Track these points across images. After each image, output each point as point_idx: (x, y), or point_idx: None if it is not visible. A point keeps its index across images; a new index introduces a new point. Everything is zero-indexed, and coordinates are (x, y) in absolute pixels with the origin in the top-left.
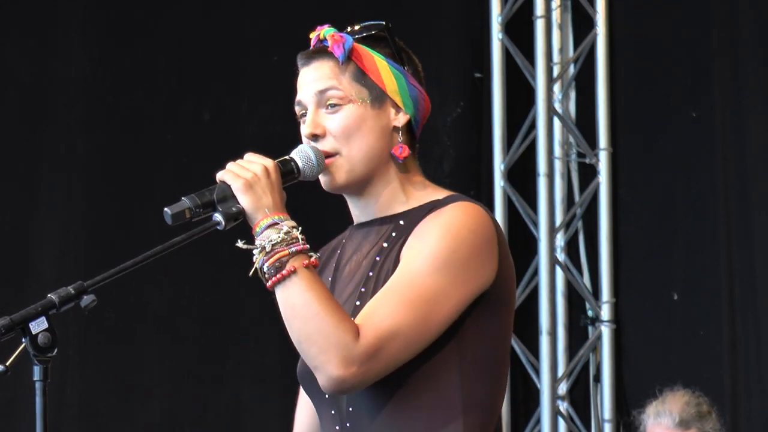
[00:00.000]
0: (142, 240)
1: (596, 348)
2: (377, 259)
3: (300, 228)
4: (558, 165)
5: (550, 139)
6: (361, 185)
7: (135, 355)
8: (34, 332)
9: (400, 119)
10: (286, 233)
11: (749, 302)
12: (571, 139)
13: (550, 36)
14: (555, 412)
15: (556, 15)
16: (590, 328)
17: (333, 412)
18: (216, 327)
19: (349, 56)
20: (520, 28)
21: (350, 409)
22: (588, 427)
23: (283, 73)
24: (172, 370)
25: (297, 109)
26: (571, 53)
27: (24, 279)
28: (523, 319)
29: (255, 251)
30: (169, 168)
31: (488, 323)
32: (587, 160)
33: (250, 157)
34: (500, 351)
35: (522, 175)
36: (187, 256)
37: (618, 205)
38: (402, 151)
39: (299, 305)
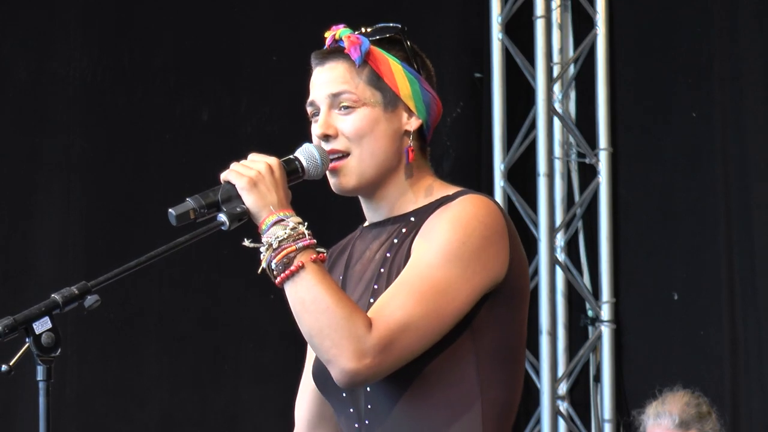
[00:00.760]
0: (142, 240)
1: (596, 348)
2: (388, 255)
3: (306, 223)
4: (558, 165)
5: (550, 139)
6: (372, 188)
7: (134, 354)
8: (37, 332)
9: (413, 123)
10: (293, 229)
11: (749, 302)
12: (571, 139)
13: (550, 36)
14: (555, 412)
15: (556, 15)
16: (590, 328)
17: (351, 410)
18: (216, 327)
19: (365, 59)
20: (520, 28)
21: (369, 406)
22: (588, 427)
23: (282, 73)
24: (172, 370)
25: (309, 109)
26: (571, 53)
27: (24, 279)
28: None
29: (262, 249)
30: (167, 168)
31: (503, 316)
32: (587, 160)
33: (253, 156)
34: (516, 344)
35: (522, 175)
36: (188, 256)
37: (618, 205)
38: (410, 155)
39: (309, 300)
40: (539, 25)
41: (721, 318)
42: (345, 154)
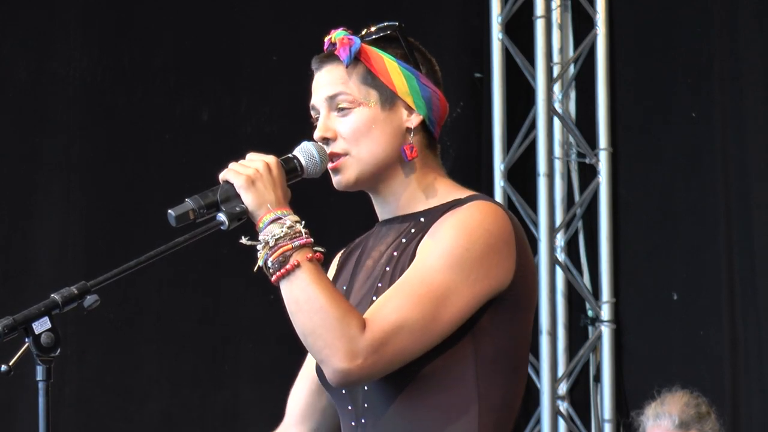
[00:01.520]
0: (141, 239)
1: (596, 348)
2: (395, 254)
3: (303, 222)
4: (558, 165)
5: (550, 139)
6: (373, 184)
7: (134, 354)
8: (37, 332)
9: (413, 120)
10: (290, 227)
11: (749, 302)
12: (571, 139)
13: (550, 36)
14: (555, 412)
15: (556, 15)
16: (590, 328)
17: (350, 407)
18: (215, 327)
19: (358, 58)
20: (520, 28)
21: (366, 404)
22: (588, 427)
23: (282, 73)
24: (171, 370)
25: (312, 113)
26: (571, 53)
27: (24, 279)
28: None
29: (259, 247)
30: (167, 168)
31: (506, 323)
32: (587, 160)
33: (252, 155)
34: (519, 352)
35: (522, 175)
36: (188, 256)
37: (618, 205)
38: (411, 151)
39: (303, 299)
40: (539, 25)
41: (721, 318)
42: (344, 155)
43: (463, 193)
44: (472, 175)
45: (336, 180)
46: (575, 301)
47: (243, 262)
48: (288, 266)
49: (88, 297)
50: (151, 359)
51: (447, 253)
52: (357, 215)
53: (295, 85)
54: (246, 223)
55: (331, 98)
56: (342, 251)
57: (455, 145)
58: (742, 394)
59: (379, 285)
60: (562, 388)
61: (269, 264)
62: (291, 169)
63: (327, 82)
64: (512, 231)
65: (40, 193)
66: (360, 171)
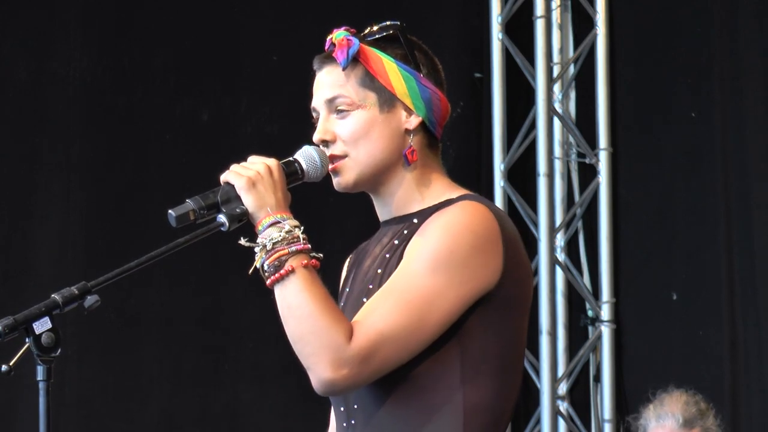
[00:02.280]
0: (142, 240)
1: (596, 348)
2: (387, 256)
3: (302, 228)
4: (558, 165)
5: (550, 139)
6: (372, 185)
7: (134, 355)
8: (37, 332)
9: (412, 122)
10: (288, 232)
11: (749, 302)
12: (571, 139)
13: (550, 36)
14: (555, 412)
15: (556, 15)
16: (590, 328)
17: (342, 408)
18: (215, 327)
19: (358, 60)
20: (520, 28)
21: (355, 406)
22: (588, 427)
23: (282, 73)
24: (172, 370)
25: (313, 114)
26: (571, 53)
27: (24, 279)
28: None
29: (256, 249)
30: (167, 168)
31: (494, 325)
32: (587, 160)
33: (253, 158)
34: (509, 354)
35: (522, 175)
36: (188, 256)
37: (618, 205)
38: (412, 155)
39: (295, 305)
40: (539, 25)
41: (720, 318)
42: (343, 158)
43: (456, 192)
44: (472, 175)
45: (336, 182)
46: (575, 301)
47: (243, 262)
48: (282, 271)
49: (89, 297)
50: (152, 359)
51: (431, 256)
52: (357, 216)
53: (295, 85)
54: (247, 224)
55: (330, 101)
56: (351, 255)
57: (455, 145)
58: (741, 394)
59: (370, 287)
60: (562, 388)
61: (265, 267)
62: (292, 173)
63: (326, 84)
64: (499, 231)
65: (40, 193)
66: (359, 173)
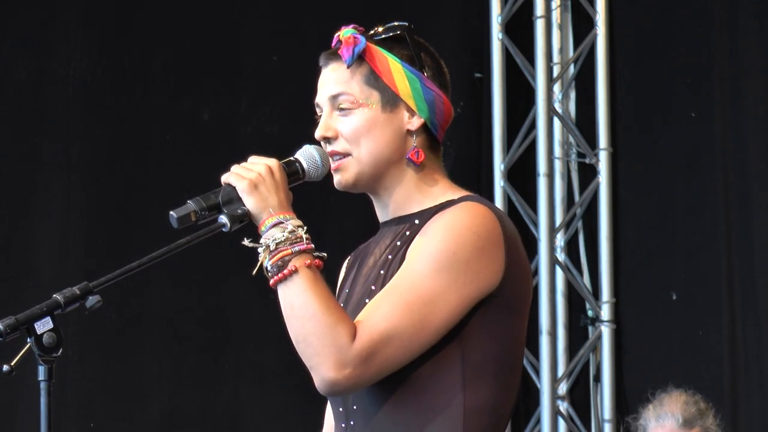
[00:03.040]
0: (142, 240)
1: (596, 348)
2: (389, 257)
3: (305, 228)
4: (558, 165)
5: (550, 139)
6: (372, 185)
7: (135, 354)
8: (39, 332)
9: (414, 123)
10: (291, 232)
11: (749, 302)
12: (571, 139)
13: (550, 36)
14: (555, 412)
15: (556, 15)
16: (590, 328)
17: (341, 409)
18: (216, 327)
19: (363, 58)
20: (520, 28)
21: (354, 407)
22: (588, 427)
23: (282, 73)
24: (172, 370)
25: (316, 110)
26: (571, 53)
27: (24, 279)
28: None
29: (260, 250)
30: (167, 168)
31: (495, 326)
32: (587, 160)
33: (253, 158)
34: (509, 355)
35: (522, 175)
36: (188, 256)
37: (618, 205)
38: (418, 156)
39: (298, 305)
40: (539, 25)
41: (720, 318)
42: (345, 155)
43: (458, 193)
44: (472, 175)
45: (336, 180)
46: (575, 301)
47: (244, 262)
48: (286, 271)
49: (90, 297)
50: (152, 359)
51: (434, 257)
52: (357, 216)
53: (295, 85)
54: (248, 224)
55: (334, 98)
56: (350, 255)
57: (455, 145)
58: (741, 394)
59: (373, 288)
60: (562, 388)
61: (268, 267)
62: (293, 172)
63: (331, 80)
64: (501, 232)
65: (40, 193)
66: (360, 171)
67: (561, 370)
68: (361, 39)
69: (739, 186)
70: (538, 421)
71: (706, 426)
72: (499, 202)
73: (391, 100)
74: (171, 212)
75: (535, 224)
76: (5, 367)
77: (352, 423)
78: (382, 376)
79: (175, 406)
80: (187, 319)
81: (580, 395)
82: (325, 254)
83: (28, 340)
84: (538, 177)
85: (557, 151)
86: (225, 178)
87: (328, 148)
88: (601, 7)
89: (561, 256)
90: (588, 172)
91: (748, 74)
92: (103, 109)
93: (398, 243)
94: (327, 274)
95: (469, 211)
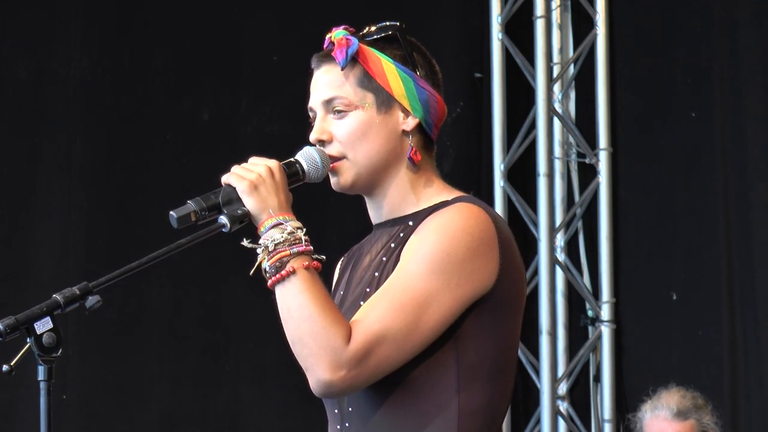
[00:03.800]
0: (142, 240)
1: (596, 348)
2: (384, 259)
3: (305, 229)
4: (558, 165)
5: (550, 139)
6: (370, 186)
7: (135, 355)
8: (38, 332)
9: (409, 123)
10: (290, 234)
11: (749, 302)
12: (571, 139)
13: (550, 36)
14: (555, 412)
15: (556, 15)
16: (590, 328)
17: (336, 411)
18: (216, 327)
19: (356, 59)
20: (520, 28)
21: (350, 409)
22: (588, 427)
23: (282, 73)
24: (172, 370)
25: (310, 113)
26: (571, 53)
27: (24, 279)
28: (523, 319)
29: (259, 250)
30: (167, 168)
31: (490, 327)
32: (587, 160)
33: (254, 159)
34: (504, 356)
35: (522, 175)
36: (188, 256)
37: (618, 205)
38: (416, 155)
39: (294, 306)
40: (539, 25)
41: (720, 318)
42: (341, 159)
43: (452, 194)
44: (472, 175)
45: (334, 182)
46: (575, 301)
47: (244, 263)
48: (283, 272)
49: (90, 297)
50: (152, 359)
51: (428, 258)
52: (357, 216)
53: (295, 85)
54: (248, 225)
55: (327, 102)
56: (344, 256)
57: (455, 145)
58: (741, 394)
59: (368, 290)
60: (562, 388)
61: (266, 268)
62: (293, 174)
63: (324, 83)
64: (495, 233)
65: (40, 193)
66: (357, 173)
67: (561, 370)
68: (354, 40)
69: (739, 186)
70: (538, 421)
71: (702, 421)
72: (499, 202)
73: (385, 101)
74: (171, 212)
75: (535, 224)
76: (5, 367)
77: (347, 425)
78: (378, 377)
79: (175, 406)
80: (187, 319)
81: (580, 395)
82: (324, 256)
83: (28, 340)
84: (538, 177)
85: (557, 151)
86: (225, 179)
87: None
88: (601, 7)
89: (561, 256)
90: (588, 172)
91: (748, 74)
92: (103, 109)
93: (392, 245)
94: (326, 275)
95: (463, 211)
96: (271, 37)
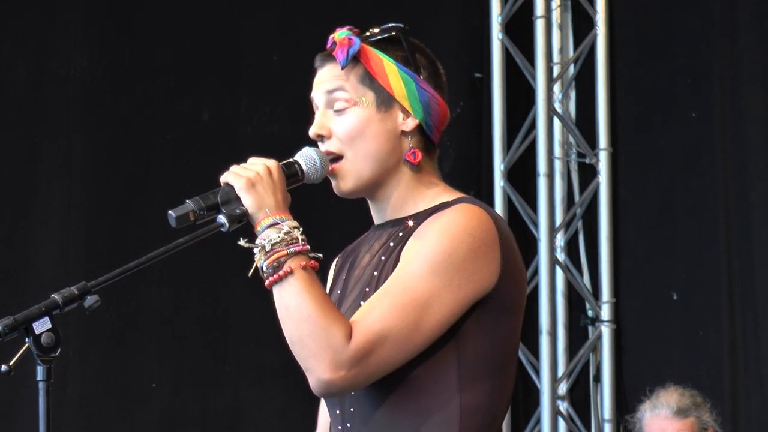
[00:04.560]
0: (142, 240)
1: (596, 348)
2: (383, 258)
3: (301, 229)
4: (558, 165)
5: (550, 139)
6: (371, 189)
7: (135, 355)
8: (37, 332)
9: (408, 124)
10: (287, 233)
11: (749, 302)
12: (571, 139)
13: (550, 36)
14: (555, 412)
15: (556, 15)
16: (590, 328)
17: (337, 411)
18: (216, 327)
19: (358, 59)
20: (520, 28)
21: (351, 409)
22: (588, 427)
23: (282, 73)
24: (172, 370)
25: (314, 107)
26: (571, 53)
27: (24, 279)
28: (524, 319)
29: (255, 250)
30: (167, 168)
31: (491, 327)
32: (587, 160)
33: (253, 159)
34: (504, 356)
35: (522, 175)
36: (187, 256)
37: (618, 205)
38: (415, 156)
39: (293, 306)
40: (539, 25)
41: (720, 318)
42: (339, 156)
43: (453, 195)
44: (472, 175)
45: (334, 186)
46: (575, 301)
47: (243, 263)
48: (281, 272)
49: (89, 297)
50: (152, 359)
51: (429, 259)
52: (357, 216)
53: (295, 85)
54: (247, 224)
55: (329, 93)
56: (338, 256)
57: (455, 145)
58: (741, 394)
59: (367, 290)
60: (562, 388)
61: (264, 268)
62: (292, 174)
63: (326, 79)
64: (496, 233)
65: (40, 193)
66: (357, 177)
67: (561, 370)
68: (356, 40)
69: (739, 186)
70: (538, 421)
71: (702, 419)
72: (499, 202)
73: (385, 101)
74: (170, 212)
75: (535, 224)
76: (3, 367)
77: (348, 425)
78: (378, 377)
79: (175, 406)
80: (187, 319)
81: (580, 395)
82: (321, 255)
83: (27, 340)
84: (538, 177)
85: (557, 151)
86: (224, 178)
87: (322, 147)
88: (601, 7)
89: (561, 256)
90: (588, 172)
91: (748, 74)
92: (103, 109)
93: (391, 244)
94: (321, 275)
95: (464, 212)
96: (271, 37)
